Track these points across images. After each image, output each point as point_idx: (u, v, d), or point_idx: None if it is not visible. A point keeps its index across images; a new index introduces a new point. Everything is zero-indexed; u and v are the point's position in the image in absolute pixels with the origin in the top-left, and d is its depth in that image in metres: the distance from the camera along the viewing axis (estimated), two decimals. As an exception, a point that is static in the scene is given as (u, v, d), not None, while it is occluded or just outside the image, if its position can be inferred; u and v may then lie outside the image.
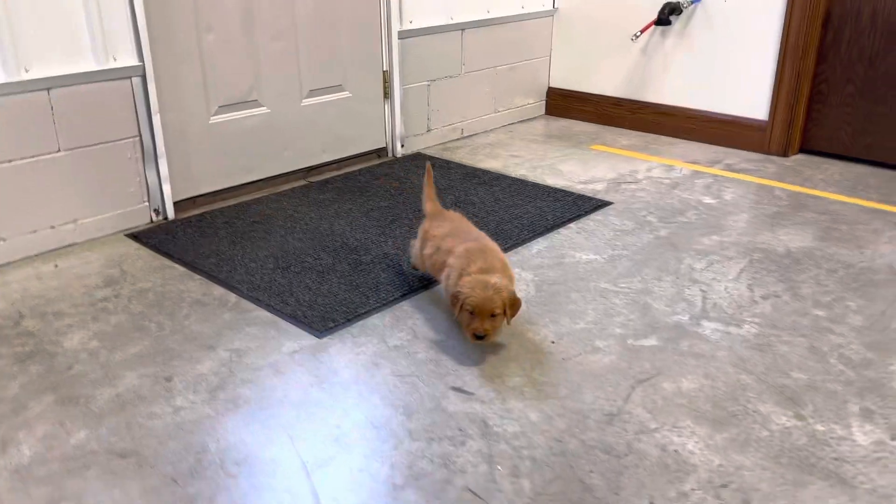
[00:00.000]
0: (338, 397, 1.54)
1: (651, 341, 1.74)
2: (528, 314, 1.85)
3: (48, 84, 2.07)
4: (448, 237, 1.79)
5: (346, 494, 1.27)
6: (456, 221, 1.88)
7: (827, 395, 1.54)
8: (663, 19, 3.20)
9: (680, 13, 3.19)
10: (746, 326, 1.80)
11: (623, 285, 2.01)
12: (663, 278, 2.05)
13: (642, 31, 3.27)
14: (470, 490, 1.28)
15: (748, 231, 2.37)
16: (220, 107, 2.52)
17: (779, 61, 3.00)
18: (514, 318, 1.67)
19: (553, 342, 1.73)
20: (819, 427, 1.45)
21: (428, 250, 1.83)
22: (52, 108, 2.10)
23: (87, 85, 2.15)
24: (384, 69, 2.98)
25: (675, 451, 1.38)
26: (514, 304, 1.62)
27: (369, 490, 1.28)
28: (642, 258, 2.17)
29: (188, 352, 1.70)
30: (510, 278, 1.69)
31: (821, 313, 1.86)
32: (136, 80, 2.24)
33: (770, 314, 1.86)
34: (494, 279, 1.60)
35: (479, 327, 1.58)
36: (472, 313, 1.59)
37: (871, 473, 1.33)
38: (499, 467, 1.33)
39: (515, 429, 1.44)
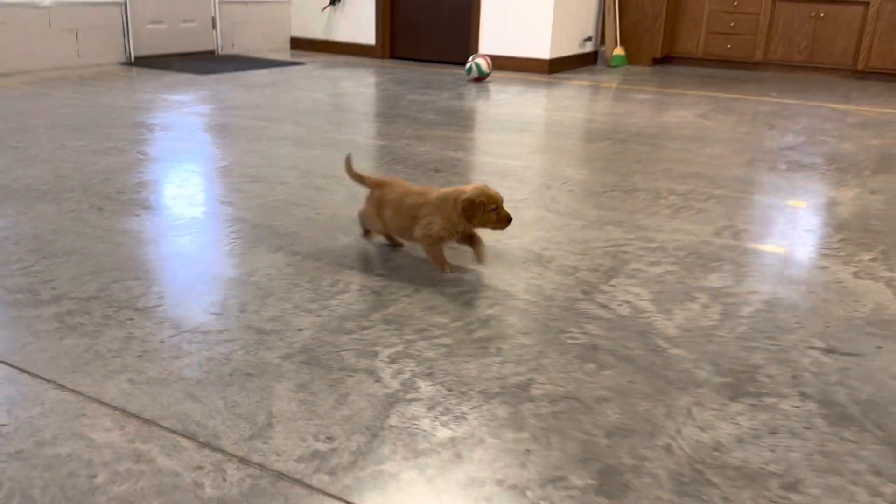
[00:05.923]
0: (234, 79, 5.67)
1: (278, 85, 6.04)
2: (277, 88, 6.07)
3: None
4: (405, 197, 2.15)
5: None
6: (401, 185, 2.21)
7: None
8: (334, 2, 7.60)
9: (341, 1, 7.62)
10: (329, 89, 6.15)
11: (308, 83, 6.30)
12: (309, 83, 6.36)
13: (325, 8, 7.66)
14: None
15: (321, 72, 6.76)
16: (150, 21, 6.53)
17: (377, 20, 7.49)
18: None
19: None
20: (337, 84, 5.82)
21: (388, 212, 2.19)
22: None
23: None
24: (212, 16, 7.10)
25: (298, 85, 5.67)
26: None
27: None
28: (294, 77, 6.47)
29: (173, 86, 5.73)
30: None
31: (403, 91, 6.27)
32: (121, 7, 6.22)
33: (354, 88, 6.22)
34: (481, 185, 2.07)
35: (505, 213, 2.02)
36: (494, 209, 2.02)
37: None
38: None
39: (259, 83, 5.67)
